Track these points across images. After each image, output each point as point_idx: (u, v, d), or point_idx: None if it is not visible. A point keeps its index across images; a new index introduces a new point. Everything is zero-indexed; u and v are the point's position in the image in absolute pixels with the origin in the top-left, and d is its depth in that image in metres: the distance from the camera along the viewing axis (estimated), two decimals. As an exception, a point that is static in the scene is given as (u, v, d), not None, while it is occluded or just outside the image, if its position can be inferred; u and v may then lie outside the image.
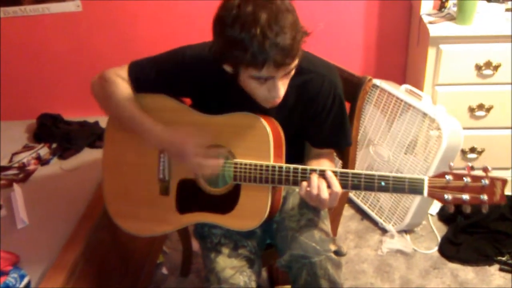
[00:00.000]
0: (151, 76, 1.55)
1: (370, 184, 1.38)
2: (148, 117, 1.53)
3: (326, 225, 1.62)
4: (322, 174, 1.40)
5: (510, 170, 2.60)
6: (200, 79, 1.52)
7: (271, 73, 1.28)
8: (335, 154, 1.77)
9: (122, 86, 1.55)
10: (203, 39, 1.55)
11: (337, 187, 1.39)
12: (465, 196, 1.31)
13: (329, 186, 1.39)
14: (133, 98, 1.55)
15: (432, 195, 1.34)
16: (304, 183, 1.41)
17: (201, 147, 1.47)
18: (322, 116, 1.55)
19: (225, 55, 1.29)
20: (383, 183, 1.37)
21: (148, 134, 1.53)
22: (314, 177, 1.40)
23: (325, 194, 1.38)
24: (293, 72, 1.37)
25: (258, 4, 1.22)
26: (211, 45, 1.34)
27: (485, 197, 1.30)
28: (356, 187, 1.39)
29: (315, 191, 1.38)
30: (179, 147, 1.48)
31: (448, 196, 1.32)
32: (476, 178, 1.30)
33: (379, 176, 1.37)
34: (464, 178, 1.31)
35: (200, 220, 1.57)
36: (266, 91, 1.36)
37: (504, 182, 1.30)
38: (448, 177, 1.32)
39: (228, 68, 1.36)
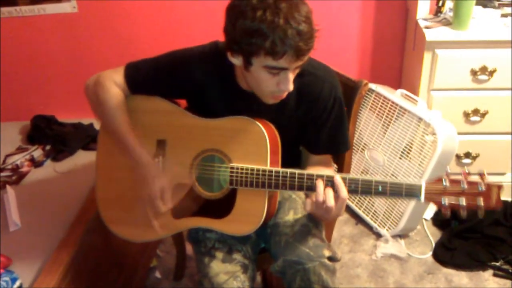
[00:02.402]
0: (148, 77, 1.55)
1: (368, 189, 1.38)
2: (133, 137, 1.52)
3: (320, 231, 1.61)
4: (325, 179, 1.39)
5: (506, 175, 2.61)
6: (197, 80, 1.52)
7: (288, 63, 1.29)
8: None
9: (115, 94, 1.53)
10: (201, 40, 1.55)
11: (343, 192, 1.37)
12: (462, 202, 1.32)
13: (334, 191, 1.38)
14: (124, 109, 1.54)
15: (429, 200, 1.34)
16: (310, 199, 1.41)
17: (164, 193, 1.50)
18: (322, 119, 1.55)
19: (242, 44, 1.28)
20: (380, 188, 1.36)
21: (128, 152, 1.53)
22: (320, 184, 1.38)
23: (331, 201, 1.37)
24: (299, 69, 1.37)
25: None
26: (226, 30, 1.33)
27: (481, 202, 1.31)
28: (353, 192, 1.39)
29: (321, 198, 1.37)
30: (146, 182, 1.50)
31: (445, 201, 1.33)
32: (472, 184, 1.31)
33: (376, 181, 1.37)
34: (461, 183, 1.32)
35: (196, 225, 1.56)
36: (275, 85, 1.35)
37: (500, 187, 1.31)
38: (445, 182, 1.32)
39: (236, 60, 1.36)
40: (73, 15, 2.61)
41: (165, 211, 1.51)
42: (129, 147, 1.53)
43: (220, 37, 1.42)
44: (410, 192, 1.35)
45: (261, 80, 1.35)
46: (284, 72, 1.32)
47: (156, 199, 1.49)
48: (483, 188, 1.30)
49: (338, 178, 1.38)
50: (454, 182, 1.32)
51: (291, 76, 1.35)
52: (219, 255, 1.55)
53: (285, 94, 1.42)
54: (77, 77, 2.68)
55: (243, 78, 1.46)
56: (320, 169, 1.57)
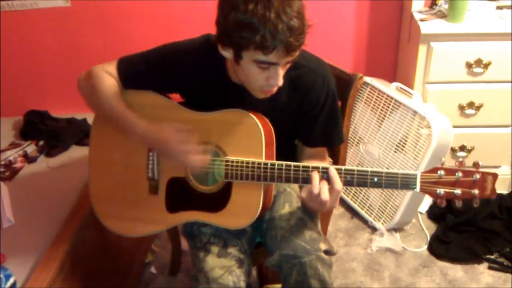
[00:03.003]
0: (141, 71, 1.53)
1: (363, 180, 1.37)
2: (132, 113, 1.50)
3: (317, 224, 1.61)
4: (320, 171, 1.39)
5: (501, 168, 2.61)
6: (190, 73, 1.51)
7: (278, 58, 1.28)
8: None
9: (109, 81, 1.52)
10: (195, 33, 1.55)
11: (338, 184, 1.37)
12: (457, 191, 1.32)
13: (329, 183, 1.38)
14: (119, 94, 1.53)
15: (425, 190, 1.35)
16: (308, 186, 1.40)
17: (185, 142, 1.45)
18: (315, 111, 1.54)
19: (232, 37, 1.27)
20: (376, 179, 1.36)
21: (131, 130, 1.51)
22: (316, 176, 1.38)
23: (326, 195, 1.36)
24: (290, 64, 1.36)
25: None
26: (217, 22, 1.32)
27: (476, 191, 1.32)
28: (349, 183, 1.39)
29: (316, 190, 1.37)
30: (162, 145, 1.47)
31: (440, 191, 1.33)
32: (467, 173, 1.32)
33: (371, 172, 1.37)
34: (456, 173, 1.32)
35: (191, 219, 1.55)
36: (264, 79, 1.35)
37: (495, 176, 1.32)
38: (440, 172, 1.33)
39: (227, 53, 1.35)
40: (66, 9, 2.59)
41: (193, 147, 1.45)
42: (131, 125, 1.50)
43: (212, 31, 1.42)
44: (406, 182, 1.35)
45: (251, 74, 1.34)
46: (274, 67, 1.32)
47: (178, 144, 1.44)
48: (478, 177, 1.31)
49: (332, 170, 1.38)
50: (449, 171, 1.33)
51: (281, 71, 1.34)
52: (214, 249, 1.55)
53: (275, 89, 1.41)
54: (71, 71, 2.64)
55: (234, 71, 1.45)
56: (315, 162, 1.56)
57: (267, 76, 1.34)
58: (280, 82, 1.35)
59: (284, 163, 1.42)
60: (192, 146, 1.45)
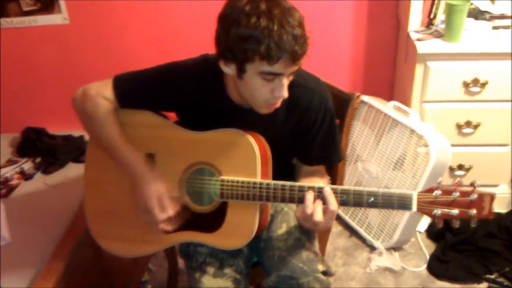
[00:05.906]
0: (137, 89, 1.53)
1: (359, 200, 1.37)
2: (130, 149, 1.51)
3: (314, 244, 1.59)
4: (316, 190, 1.38)
5: (499, 187, 2.61)
6: (187, 92, 1.51)
7: (283, 68, 1.28)
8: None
9: (104, 106, 1.51)
10: (192, 52, 1.55)
11: (333, 204, 1.36)
12: (454, 211, 1.31)
13: (324, 203, 1.37)
14: (114, 120, 1.52)
15: (421, 210, 1.34)
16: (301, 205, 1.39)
17: (164, 209, 1.46)
18: (313, 131, 1.53)
19: (236, 51, 1.28)
20: (372, 199, 1.35)
21: (125, 165, 1.51)
22: (309, 196, 1.37)
23: (319, 215, 1.35)
24: (292, 76, 1.36)
25: (269, 1, 1.25)
26: (218, 38, 1.32)
27: (473, 211, 1.30)
28: (345, 203, 1.37)
29: (309, 211, 1.36)
30: (145, 197, 1.47)
31: (437, 211, 1.32)
32: (464, 193, 1.31)
33: (368, 192, 1.36)
34: (452, 193, 1.31)
35: (186, 239, 1.54)
36: (269, 92, 1.34)
37: (492, 197, 1.31)
38: (436, 192, 1.32)
39: (229, 69, 1.35)
40: (65, 27, 2.61)
41: (164, 219, 1.47)
42: (123, 159, 1.51)
43: (210, 50, 1.42)
44: (402, 202, 1.34)
45: (255, 88, 1.34)
46: (279, 78, 1.32)
47: (155, 208, 1.46)
48: (475, 197, 1.29)
49: (327, 190, 1.37)
50: (445, 191, 1.32)
51: (286, 82, 1.34)
52: (210, 270, 1.53)
53: (279, 103, 1.41)
54: (68, 89, 2.60)
55: (234, 89, 1.45)
56: (314, 180, 1.55)
57: (272, 89, 1.34)
58: (286, 93, 1.35)
59: (280, 182, 1.41)
60: (166, 215, 1.47)
